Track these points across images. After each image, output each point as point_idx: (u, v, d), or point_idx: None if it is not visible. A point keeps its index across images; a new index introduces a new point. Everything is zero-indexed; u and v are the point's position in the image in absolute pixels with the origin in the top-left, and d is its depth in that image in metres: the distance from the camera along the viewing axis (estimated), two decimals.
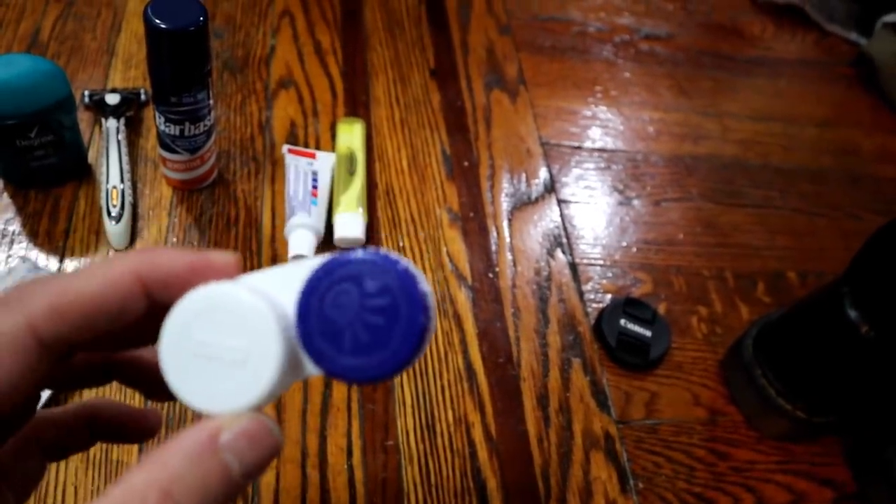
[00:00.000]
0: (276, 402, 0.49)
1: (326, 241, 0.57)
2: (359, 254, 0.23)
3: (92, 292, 0.22)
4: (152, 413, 0.30)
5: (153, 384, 0.22)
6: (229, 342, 0.22)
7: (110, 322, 0.22)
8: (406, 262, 0.22)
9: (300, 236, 0.55)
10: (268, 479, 0.46)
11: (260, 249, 0.56)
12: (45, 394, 0.43)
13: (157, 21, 0.46)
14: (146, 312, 0.23)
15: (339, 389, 0.50)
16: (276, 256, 0.56)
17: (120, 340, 0.26)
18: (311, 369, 0.23)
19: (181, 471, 0.20)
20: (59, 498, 0.43)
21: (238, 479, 0.21)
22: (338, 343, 0.22)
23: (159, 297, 0.23)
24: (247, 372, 0.22)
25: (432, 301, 0.22)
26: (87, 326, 0.22)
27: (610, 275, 0.62)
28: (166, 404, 0.47)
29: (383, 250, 0.23)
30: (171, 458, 0.20)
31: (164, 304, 0.23)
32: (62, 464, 0.44)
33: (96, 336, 0.22)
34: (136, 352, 0.28)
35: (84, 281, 0.22)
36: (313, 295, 0.22)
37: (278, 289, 0.23)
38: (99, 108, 0.60)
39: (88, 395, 0.45)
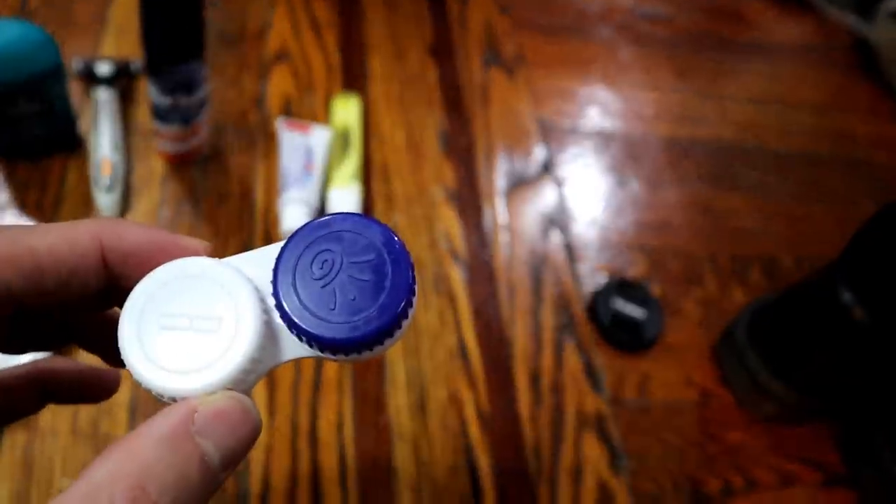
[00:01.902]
0: (267, 379, 0.49)
1: None
2: (334, 216, 0.22)
3: (47, 246, 0.20)
4: (109, 373, 0.28)
5: (113, 348, 0.20)
6: (201, 311, 0.20)
7: (61, 282, 0.21)
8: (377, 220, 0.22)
9: (294, 211, 0.54)
10: (258, 454, 0.46)
11: (253, 224, 0.55)
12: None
13: None
14: (103, 288, 0.22)
15: (331, 365, 0.50)
16: (270, 231, 0.55)
17: (73, 311, 0.24)
18: (293, 348, 0.21)
19: (154, 461, 0.17)
20: (47, 470, 0.43)
21: (217, 468, 0.18)
22: (322, 306, 0.20)
23: (119, 272, 0.22)
24: (220, 342, 0.20)
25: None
26: (36, 281, 0.20)
27: (605, 255, 0.62)
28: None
29: (355, 212, 0.21)
30: (141, 446, 0.17)
31: (124, 281, 0.22)
32: (50, 437, 0.44)
33: (45, 295, 0.21)
34: (100, 314, 0.26)
35: (40, 233, 0.21)
36: (291, 260, 0.21)
37: (255, 265, 0.22)
38: (90, 78, 0.59)
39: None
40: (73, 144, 0.56)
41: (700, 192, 0.70)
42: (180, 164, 0.57)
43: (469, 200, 0.62)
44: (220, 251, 0.23)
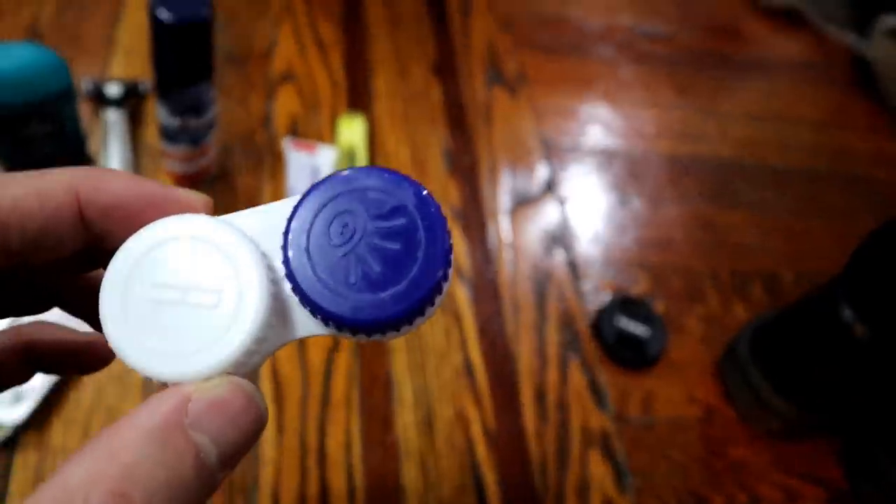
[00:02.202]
0: (275, 395, 0.49)
1: None
2: (358, 171, 0.18)
3: (11, 199, 0.18)
4: (101, 340, 0.24)
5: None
6: (197, 281, 0.17)
7: (29, 240, 0.18)
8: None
9: None
10: (267, 473, 0.46)
11: None
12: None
13: (162, 13, 0.46)
14: (83, 247, 0.19)
15: (338, 382, 0.51)
16: None
17: (51, 273, 0.21)
18: (305, 325, 0.18)
19: (139, 458, 0.15)
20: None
21: (214, 466, 0.16)
22: (341, 278, 0.17)
23: (102, 229, 0.19)
24: (219, 318, 0.17)
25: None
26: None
27: (608, 273, 0.62)
28: None
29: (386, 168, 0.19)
30: (126, 441, 0.15)
31: (108, 240, 0.19)
32: (61, 455, 0.44)
33: (12, 255, 0.18)
34: (85, 275, 0.23)
35: (3, 185, 0.18)
36: (306, 221, 0.18)
37: (262, 225, 0.19)
38: (100, 99, 0.60)
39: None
40: (83, 164, 0.57)
41: (701, 208, 0.70)
42: (189, 184, 0.58)
43: (473, 218, 0.63)
44: None
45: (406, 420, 0.50)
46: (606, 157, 0.72)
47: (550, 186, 0.68)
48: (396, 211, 0.18)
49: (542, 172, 0.68)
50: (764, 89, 0.86)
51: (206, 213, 0.19)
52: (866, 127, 0.85)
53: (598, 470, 0.51)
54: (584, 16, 0.86)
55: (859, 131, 0.85)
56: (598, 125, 0.75)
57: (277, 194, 0.59)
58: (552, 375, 0.55)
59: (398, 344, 0.54)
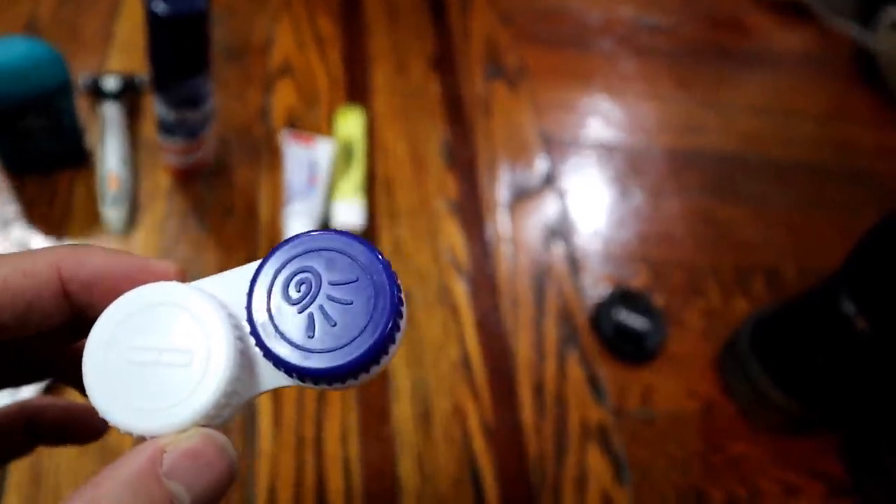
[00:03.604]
0: (271, 393, 0.49)
1: None
2: (312, 234, 0.20)
3: (0, 278, 0.19)
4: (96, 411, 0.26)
5: None
6: (170, 343, 0.19)
7: (18, 316, 0.20)
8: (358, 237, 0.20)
9: (298, 223, 0.55)
10: (264, 466, 0.46)
11: (258, 236, 0.56)
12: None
13: (157, 5, 0.46)
14: (68, 319, 0.21)
15: None
16: (274, 243, 0.56)
17: (42, 344, 0.23)
18: (271, 378, 0.20)
19: None
20: (54, 483, 0.43)
21: None
22: (300, 333, 0.19)
23: (84, 302, 0.21)
24: (192, 375, 0.18)
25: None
26: None
27: (608, 267, 0.62)
28: None
29: (334, 229, 0.20)
30: (105, 491, 0.16)
31: (90, 311, 0.21)
32: (57, 449, 0.44)
33: (3, 330, 0.20)
34: (74, 346, 0.25)
35: None
36: (267, 282, 0.20)
37: (228, 288, 0.20)
38: (97, 93, 0.60)
39: None
40: (80, 159, 0.57)
41: (702, 202, 0.70)
42: (186, 178, 0.58)
43: (472, 212, 0.62)
44: (225, 263, 0.22)
45: (403, 413, 0.50)
46: (607, 151, 0.72)
47: (550, 180, 0.67)
48: (349, 268, 0.19)
49: (541, 166, 0.68)
50: (767, 82, 0.86)
51: (177, 280, 0.21)
52: (870, 120, 0.85)
53: (597, 464, 0.51)
54: (584, 8, 0.86)
55: (863, 124, 0.84)
56: (599, 118, 0.75)
57: (275, 187, 0.59)
58: (550, 369, 0.54)
59: None
